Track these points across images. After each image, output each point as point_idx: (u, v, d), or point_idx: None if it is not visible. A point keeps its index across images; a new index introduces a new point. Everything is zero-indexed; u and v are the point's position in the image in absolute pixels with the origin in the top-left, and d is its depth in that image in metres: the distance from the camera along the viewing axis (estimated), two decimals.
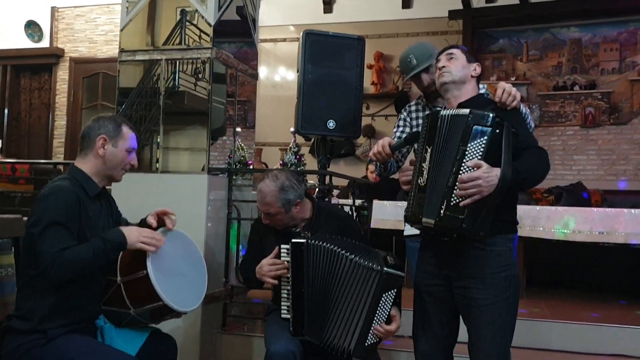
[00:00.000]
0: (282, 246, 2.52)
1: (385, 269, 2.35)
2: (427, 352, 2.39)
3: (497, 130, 2.10)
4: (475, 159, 2.10)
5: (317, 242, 2.46)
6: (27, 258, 2.17)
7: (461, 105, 2.28)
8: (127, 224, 2.47)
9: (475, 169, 2.08)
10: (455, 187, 2.10)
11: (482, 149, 2.10)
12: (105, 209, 2.35)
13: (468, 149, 2.12)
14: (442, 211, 2.12)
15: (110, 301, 2.23)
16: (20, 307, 2.17)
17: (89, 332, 2.22)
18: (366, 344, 2.37)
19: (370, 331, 2.37)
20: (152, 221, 2.37)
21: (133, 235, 2.19)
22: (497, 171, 2.07)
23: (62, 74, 8.80)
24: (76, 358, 2.08)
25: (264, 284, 2.70)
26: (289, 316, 2.51)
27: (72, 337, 2.13)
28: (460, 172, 2.10)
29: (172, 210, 2.41)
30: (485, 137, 2.10)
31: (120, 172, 2.35)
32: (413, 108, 2.86)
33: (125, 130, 2.33)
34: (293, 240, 2.48)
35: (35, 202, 2.16)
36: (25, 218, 2.47)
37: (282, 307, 2.54)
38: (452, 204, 2.11)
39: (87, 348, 2.12)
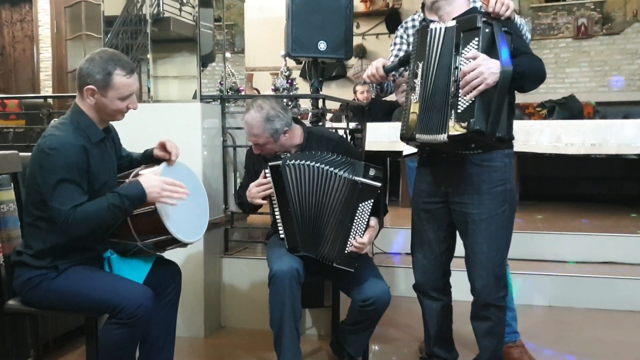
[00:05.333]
0: (265, 171, 2.57)
1: (362, 179, 2.41)
2: (425, 267, 2.46)
3: (487, 30, 2.05)
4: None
5: (293, 161, 2.51)
6: (32, 198, 2.16)
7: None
8: (129, 155, 2.47)
9: (472, 60, 2.03)
10: (459, 91, 2.04)
11: (475, 49, 2.05)
12: (109, 148, 2.29)
13: (461, 54, 2.07)
14: (450, 123, 2.06)
15: (117, 233, 2.25)
16: (30, 245, 2.18)
17: (97, 264, 2.25)
18: (346, 252, 2.47)
19: (349, 241, 2.45)
20: (164, 154, 2.34)
21: (154, 190, 2.13)
22: (496, 61, 2.02)
23: (43, 4, 8.51)
24: (85, 288, 2.12)
25: (257, 208, 2.75)
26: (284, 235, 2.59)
27: (80, 268, 2.18)
28: (459, 69, 2.05)
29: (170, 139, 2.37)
30: (477, 38, 2.05)
31: (118, 116, 2.24)
32: (410, 24, 2.78)
33: (118, 79, 2.12)
34: (270, 163, 2.54)
35: (41, 152, 2.06)
36: (21, 154, 2.48)
37: (279, 228, 2.61)
38: (459, 111, 2.05)
39: (96, 278, 2.16)
